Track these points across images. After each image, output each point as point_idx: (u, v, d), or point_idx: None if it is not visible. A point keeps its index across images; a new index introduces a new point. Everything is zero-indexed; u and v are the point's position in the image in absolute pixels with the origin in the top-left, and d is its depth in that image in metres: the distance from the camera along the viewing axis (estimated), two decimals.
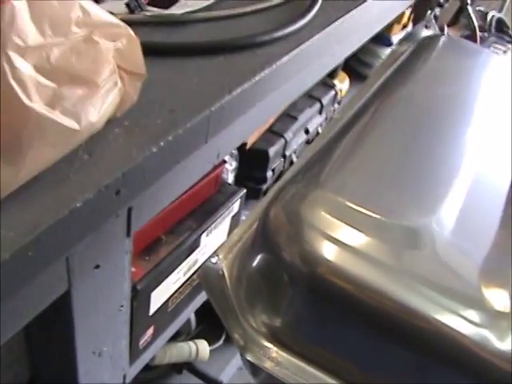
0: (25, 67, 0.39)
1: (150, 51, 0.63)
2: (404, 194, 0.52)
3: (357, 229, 0.46)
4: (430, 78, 0.72)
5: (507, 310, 0.42)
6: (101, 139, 0.50)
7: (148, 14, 0.74)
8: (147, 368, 1.02)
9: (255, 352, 0.48)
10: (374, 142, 0.57)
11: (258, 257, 0.49)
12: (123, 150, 0.50)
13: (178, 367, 1.23)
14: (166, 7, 0.75)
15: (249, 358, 0.47)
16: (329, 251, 0.44)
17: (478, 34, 1.48)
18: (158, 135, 0.52)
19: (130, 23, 0.72)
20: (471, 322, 0.42)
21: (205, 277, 0.50)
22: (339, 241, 0.45)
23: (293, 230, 0.45)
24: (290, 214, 0.46)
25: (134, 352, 0.84)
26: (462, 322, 0.42)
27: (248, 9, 0.79)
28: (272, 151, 1.02)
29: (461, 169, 0.55)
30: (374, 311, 0.43)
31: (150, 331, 0.85)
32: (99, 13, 0.45)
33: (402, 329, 0.43)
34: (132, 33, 0.48)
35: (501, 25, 1.76)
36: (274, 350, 0.48)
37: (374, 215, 0.47)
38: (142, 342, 0.85)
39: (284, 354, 0.49)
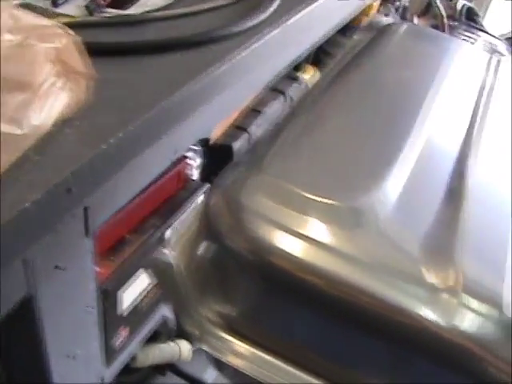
0: None
1: (109, 51, 0.63)
2: (349, 174, 0.52)
3: (300, 212, 0.46)
4: (387, 62, 0.73)
5: (451, 285, 0.43)
6: (52, 140, 0.50)
7: (107, 15, 0.74)
8: (130, 371, 1.02)
9: (212, 343, 0.48)
10: (322, 126, 0.57)
11: (204, 246, 0.49)
12: (74, 149, 0.50)
13: (160, 369, 1.22)
14: (125, 8, 0.76)
15: (205, 348, 0.47)
16: (273, 237, 0.44)
17: (446, 22, 1.50)
18: (108, 133, 0.52)
19: (89, 25, 0.73)
20: (414, 296, 0.42)
21: (155, 267, 0.50)
22: (283, 225, 0.45)
23: (234, 217, 0.45)
24: (230, 201, 0.46)
25: (110, 354, 0.84)
26: (404, 298, 0.42)
27: (205, 6, 0.79)
28: (236, 146, 1.02)
29: (408, 147, 0.56)
30: (323, 293, 0.43)
31: (125, 332, 0.84)
32: (31, 18, 0.45)
33: (350, 307, 0.43)
34: (71, 32, 0.48)
35: (471, 13, 1.78)
36: (230, 340, 0.48)
37: (318, 198, 0.47)
38: (118, 343, 0.84)
39: (242, 344, 0.49)
